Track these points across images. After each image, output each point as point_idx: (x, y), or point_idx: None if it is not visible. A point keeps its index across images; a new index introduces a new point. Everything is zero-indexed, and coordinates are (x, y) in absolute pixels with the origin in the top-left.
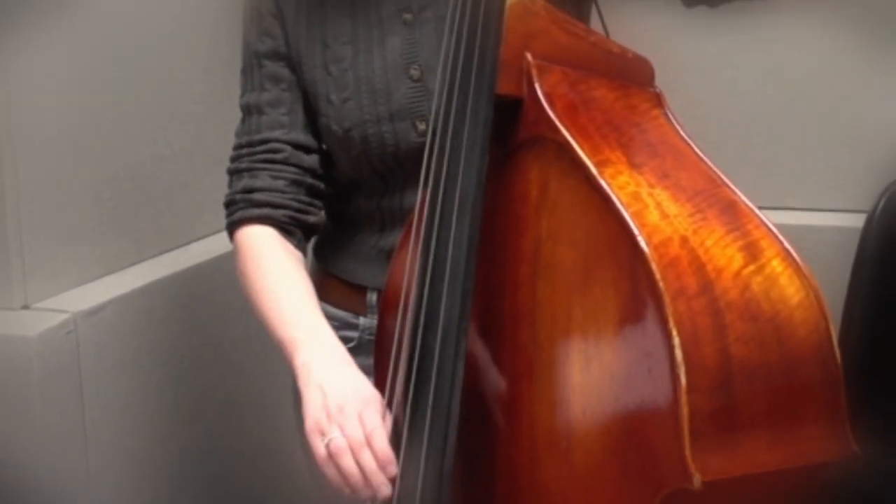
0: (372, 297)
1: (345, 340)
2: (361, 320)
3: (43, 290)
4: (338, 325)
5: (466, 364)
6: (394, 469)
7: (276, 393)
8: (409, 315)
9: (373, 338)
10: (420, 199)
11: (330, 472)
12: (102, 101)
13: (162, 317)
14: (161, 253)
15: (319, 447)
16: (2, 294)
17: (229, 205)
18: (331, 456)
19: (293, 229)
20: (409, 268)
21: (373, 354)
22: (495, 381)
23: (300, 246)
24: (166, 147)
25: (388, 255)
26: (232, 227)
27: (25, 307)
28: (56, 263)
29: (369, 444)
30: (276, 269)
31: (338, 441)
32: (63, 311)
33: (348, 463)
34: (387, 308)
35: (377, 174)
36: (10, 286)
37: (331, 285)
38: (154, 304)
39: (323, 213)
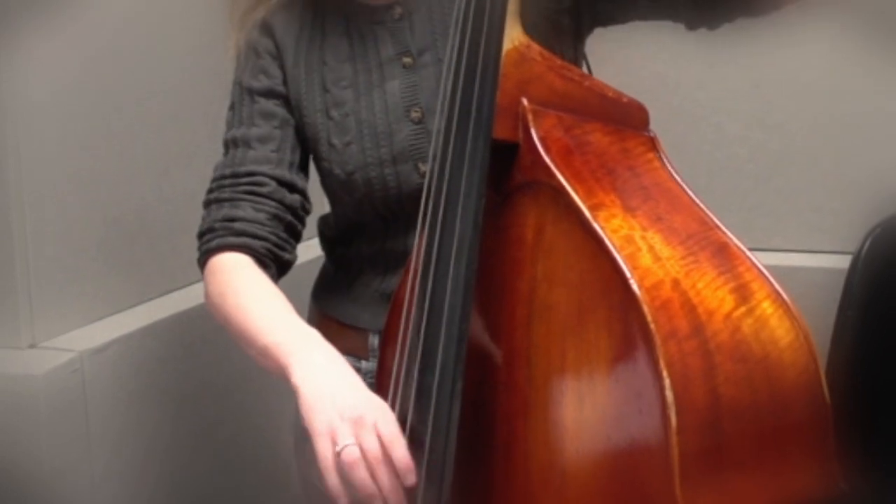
0: (374, 341)
1: None
2: (364, 364)
3: (50, 329)
4: None
5: (463, 402)
6: (413, 478)
7: (275, 432)
8: (406, 355)
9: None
10: (417, 241)
11: (332, 480)
12: (108, 144)
13: (165, 355)
14: (164, 293)
15: (327, 451)
16: (9, 333)
17: (206, 232)
18: (342, 464)
19: (269, 262)
20: (406, 308)
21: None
22: (491, 419)
23: (273, 280)
24: (170, 190)
25: (389, 298)
26: (206, 255)
27: (32, 346)
28: (62, 303)
29: (389, 454)
30: (257, 285)
31: (352, 450)
32: (69, 350)
33: (362, 475)
34: (386, 346)
35: (380, 217)
36: (17, 326)
37: (331, 329)
38: (158, 342)
39: (296, 253)
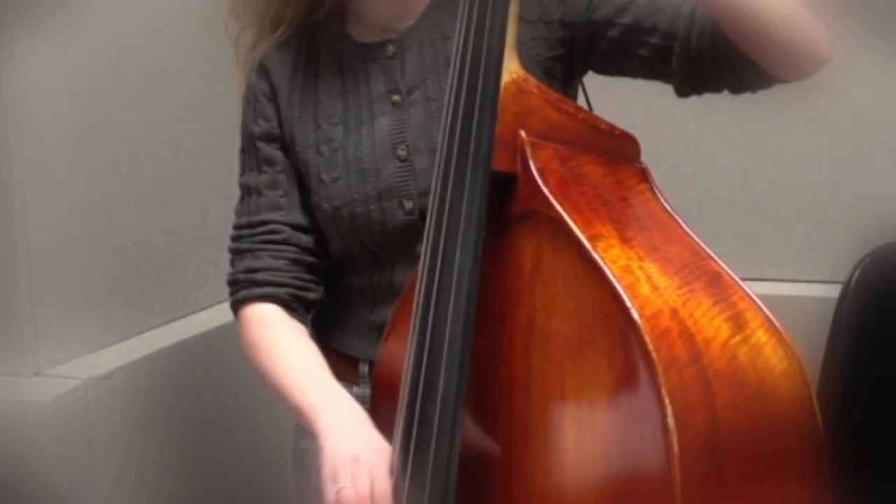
0: (364, 368)
1: None
2: (355, 389)
3: (54, 357)
4: None
5: (464, 429)
6: None
7: (276, 457)
8: (408, 385)
9: (366, 405)
10: (414, 272)
11: None
12: (111, 176)
13: (168, 383)
14: (167, 322)
15: (331, 494)
16: (15, 361)
17: (232, 283)
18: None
19: (296, 305)
20: (408, 340)
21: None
22: (491, 446)
23: (303, 320)
24: (172, 220)
25: (379, 328)
26: (236, 306)
27: (38, 374)
28: (67, 332)
29: (372, 491)
30: (285, 340)
31: (347, 491)
32: (74, 378)
33: None
34: (380, 381)
35: (367, 250)
36: (23, 354)
37: (326, 356)
38: (160, 370)
39: (322, 288)
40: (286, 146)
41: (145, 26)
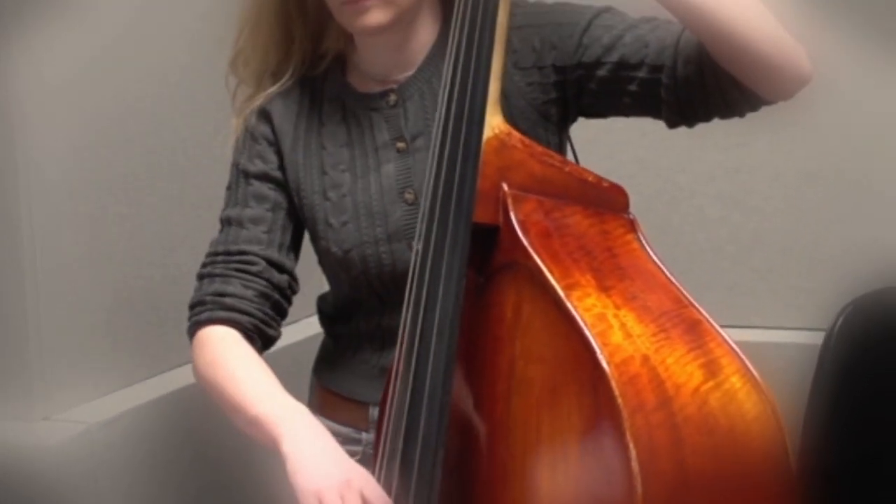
0: (374, 413)
1: (349, 455)
2: (364, 435)
3: (62, 402)
4: (341, 440)
5: (446, 469)
6: None
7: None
8: (392, 426)
9: None
10: (403, 319)
11: None
12: (116, 227)
13: (172, 427)
14: (171, 368)
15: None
16: (24, 406)
17: (198, 304)
18: None
19: (255, 337)
20: (393, 382)
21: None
22: (472, 485)
23: (258, 353)
24: (175, 270)
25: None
26: (196, 327)
27: (46, 418)
28: (74, 378)
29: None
30: (246, 358)
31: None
32: (81, 422)
33: None
34: (382, 414)
35: (375, 294)
36: (31, 399)
37: (332, 402)
38: (165, 415)
39: (280, 330)
40: (283, 188)
41: (149, 80)
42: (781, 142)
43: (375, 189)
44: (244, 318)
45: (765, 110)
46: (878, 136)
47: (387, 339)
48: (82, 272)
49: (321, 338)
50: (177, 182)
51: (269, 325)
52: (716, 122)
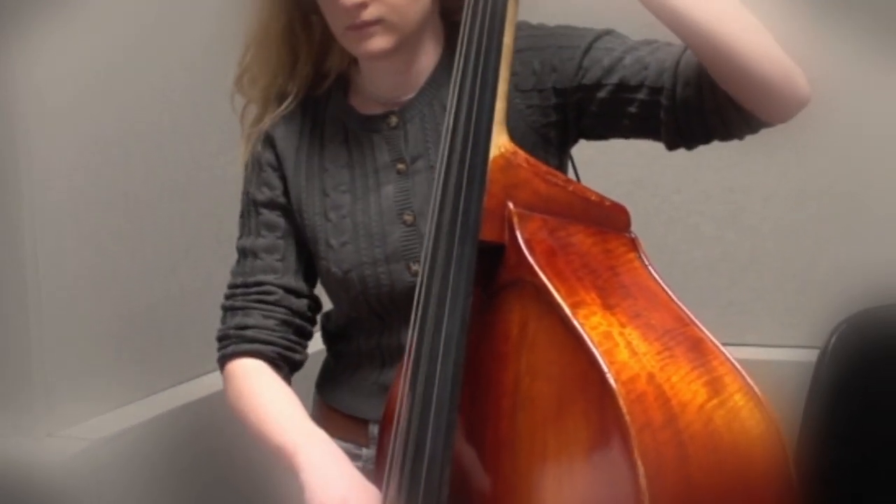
0: (374, 430)
1: None
2: (364, 451)
3: (65, 419)
4: None
5: (452, 488)
6: None
7: None
8: (398, 444)
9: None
10: (410, 336)
11: None
12: (119, 246)
13: (174, 444)
14: (173, 385)
15: None
16: (28, 423)
17: (222, 338)
18: None
19: (281, 364)
20: (399, 400)
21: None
22: (479, 502)
23: (286, 379)
24: (177, 288)
25: (387, 390)
26: (223, 360)
27: (49, 435)
28: (77, 395)
29: None
30: (269, 389)
31: None
32: (84, 439)
33: None
34: (384, 433)
35: (375, 313)
36: (35, 416)
37: (333, 419)
38: (167, 432)
39: (307, 352)
40: (290, 213)
41: (152, 99)
42: (775, 162)
43: (375, 210)
44: (267, 348)
45: (761, 131)
46: (871, 157)
47: (386, 358)
48: (85, 289)
49: (323, 354)
50: (178, 200)
51: (294, 350)
52: (713, 143)
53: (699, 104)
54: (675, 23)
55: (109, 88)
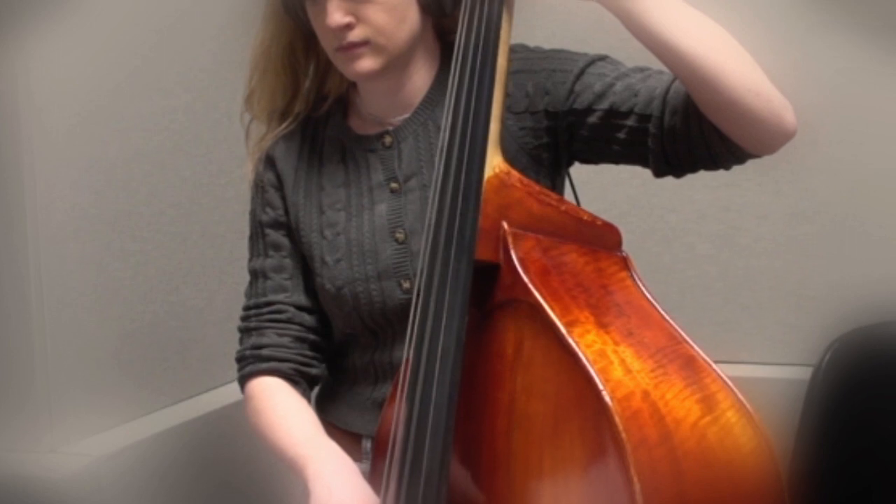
0: (367, 445)
1: None
2: (358, 466)
3: (68, 435)
4: None
5: None
6: None
7: None
8: (395, 462)
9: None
10: (406, 355)
11: None
12: (122, 265)
13: (176, 461)
14: (175, 402)
15: None
16: (31, 439)
17: (240, 360)
18: None
19: (298, 379)
20: (395, 418)
21: None
22: None
23: (305, 394)
24: (180, 306)
25: (381, 405)
26: (243, 380)
27: (52, 451)
28: (80, 412)
29: None
30: (285, 405)
31: None
32: (86, 455)
33: None
34: (378, 452)
35: (368, 330)
36: (38, 432)
37: (330, 433)
38: (169, 449)
39: (324, 365)
40: (292, 232)
41: (154, 121)
42: (769, 182)
43: (368, 228)
44: (283, 366)
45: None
46: (864, 177)
47: (380, 374)
48: (88, 307)
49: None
50: (181, 220)
51: (310, 365)
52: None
53: (686, 133)
54: (662, 52)
55: (112, 109)
